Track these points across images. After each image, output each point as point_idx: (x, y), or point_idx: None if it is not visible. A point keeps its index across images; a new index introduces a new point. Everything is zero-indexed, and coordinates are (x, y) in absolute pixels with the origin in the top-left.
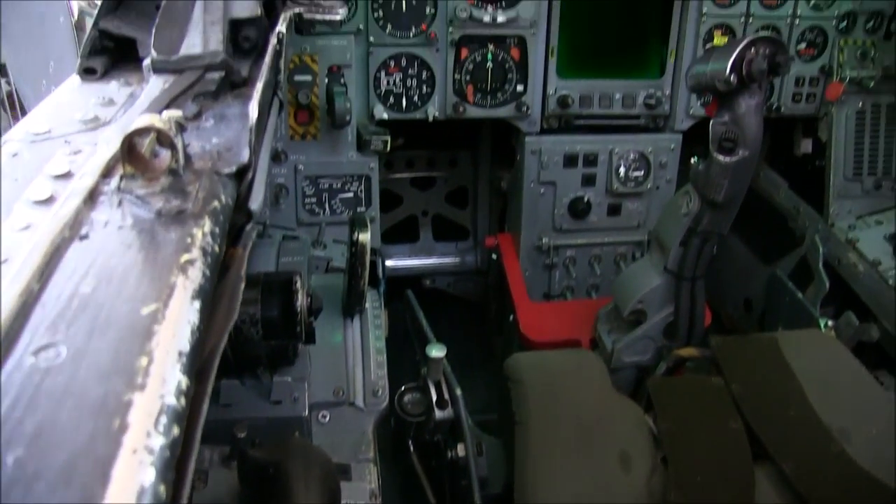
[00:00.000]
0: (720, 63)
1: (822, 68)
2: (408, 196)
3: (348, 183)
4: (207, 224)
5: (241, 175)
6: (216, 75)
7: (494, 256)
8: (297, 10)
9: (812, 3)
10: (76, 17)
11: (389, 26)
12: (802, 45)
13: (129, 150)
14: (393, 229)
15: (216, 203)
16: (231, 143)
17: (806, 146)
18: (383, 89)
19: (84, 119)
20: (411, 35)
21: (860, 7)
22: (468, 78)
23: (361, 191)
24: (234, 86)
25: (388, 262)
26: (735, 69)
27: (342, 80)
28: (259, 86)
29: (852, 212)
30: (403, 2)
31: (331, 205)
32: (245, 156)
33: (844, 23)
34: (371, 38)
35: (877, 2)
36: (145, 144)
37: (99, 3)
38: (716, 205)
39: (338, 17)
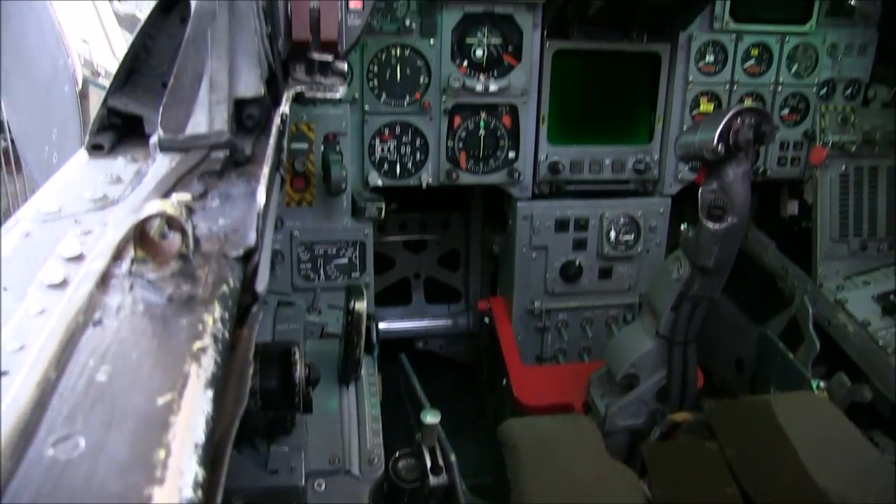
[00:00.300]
0: (708, 133)
1: (805, 133)
2: (400, 259)
3: (343, 249)
4: (217, 310)
5: (248, 257)
6: (221, 154)
7: (487, 320)
8: (298, 88)
9: (793, 71)
10: (80, 85)
11: (384, 95)
12: (786, 111)
13: (141, 235)
14: (385, 291)
15: (225, 287)
16: (237, 224)
17: (792, 208)
18: (378, 156)
19: (93, 198)
20: (405, 104)
21: (838, 75)
22: (461, 145)
23: (356, 257)
24: (238, 164)
25: (381, 325)
26: (722, 139)
27: (338, 148)
28: (265, 170)
29: (840, 272)
30: (398, 72)
31: (325, 270)
32: (252, 239)
33: (824, 90)
34: (366, 107)
35: (853, 70)
36: (155, 227)
37: (102, 72)
38: (706, 270)
39: (338, 95)
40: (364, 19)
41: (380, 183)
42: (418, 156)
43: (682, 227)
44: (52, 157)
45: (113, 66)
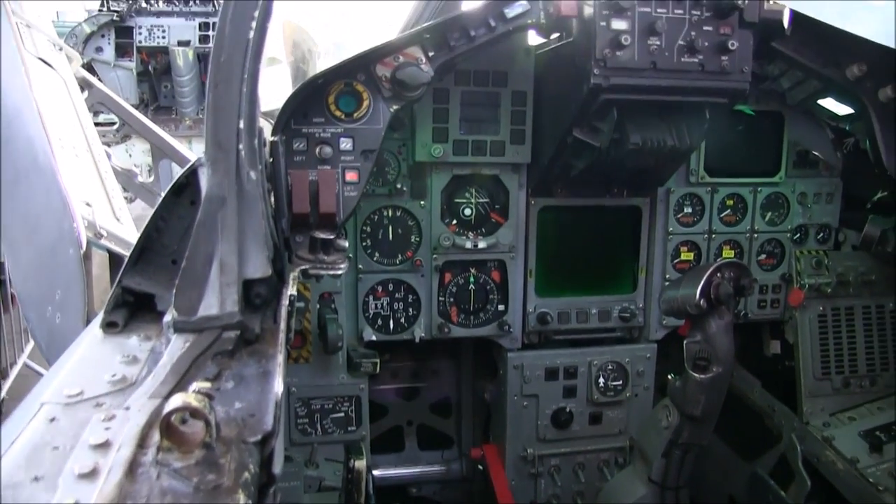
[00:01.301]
0: (690, 289)
1: (782, 276)
2: (393, 406)
3: (339, 403)
4: (241, 497)
5: (266, 441)
6: (232, 334)
7: (480, 467)
8: (303, 266)
9: (767, 218)
10: (84, 247)
11: (377, 254)
12: (763, 256)
13: (167, 427)
14: (379, 439)
15: (247, 474)
16: (253, 408)
17: (775, 347)
18: (372, 312)
19: (112, 379)
20: (398, 262)
21: (809, 221)
22: (452, 300)
23: (352, 410)
24: (248, 342)
25: (376, 472)
26: (704, 294)
27: (333, 306)
28: (279, 357)
29: (825, 409)
30: (390, 232)
31: (322, 425)
32: (269, 423)
33: (798, 235)
34: (360, 266)
35: (823, 216)
36: (177, 415)
37: (105, 234)
38: (694, 419)
39: (340, 273)
40: (360, 191)
41: (374, 338)
42: (411, 311)
43: (669, 377)
44: (56, 317)
45: (114, 227)
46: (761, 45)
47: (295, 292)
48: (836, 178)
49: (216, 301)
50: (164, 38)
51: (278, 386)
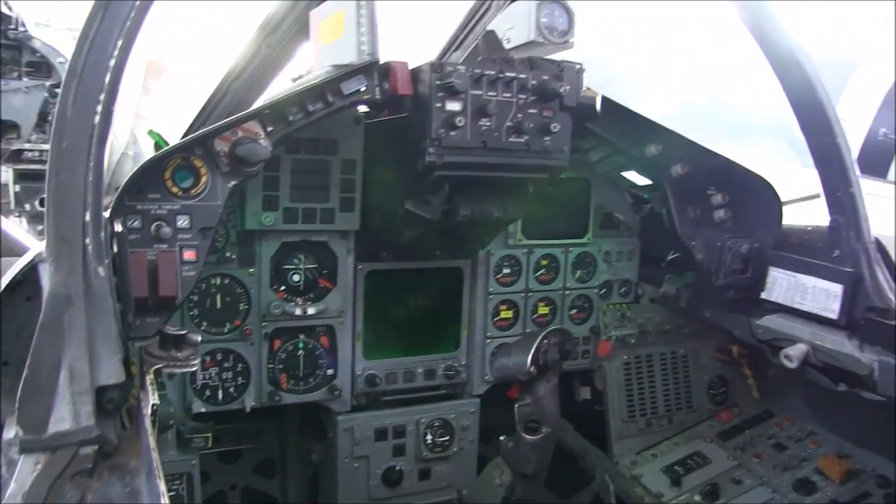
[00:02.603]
0: (520, 357)
1: (591, 328)
2: (215, 472)
3: (170, 483)
4: None
5: None
6: (90, 449)
7: None
8: (157, 365)
9: (577, 276)
10: None
11: (205, 323)
12: (574, 311)
13: None
14: None
15: None
16: None
17: (585, 393)
18: (200, 384)
19: None
20: (226, 331)
21: (613, 277)
22: (281, 367)
23: (183, 488)
24: (106, 455)
25: None
26: (534, 361)
27: (160, 380)
28: (145, 477)
29: (632, 449)
30: (218, 300)
31: None
32: None
33: (604, 290)
34: None
35: (625, 272)
36: None
37: None
38: (527, 476)
39: (194, 367)
40: (198, 270)
41: (203, 409)
42: (240, 380)
43: (502, 438)
44: None
45: None
46: (576, 124)
47: (158, 400)
48: (635, 238)
49: (68, 413)
50: None
51: None
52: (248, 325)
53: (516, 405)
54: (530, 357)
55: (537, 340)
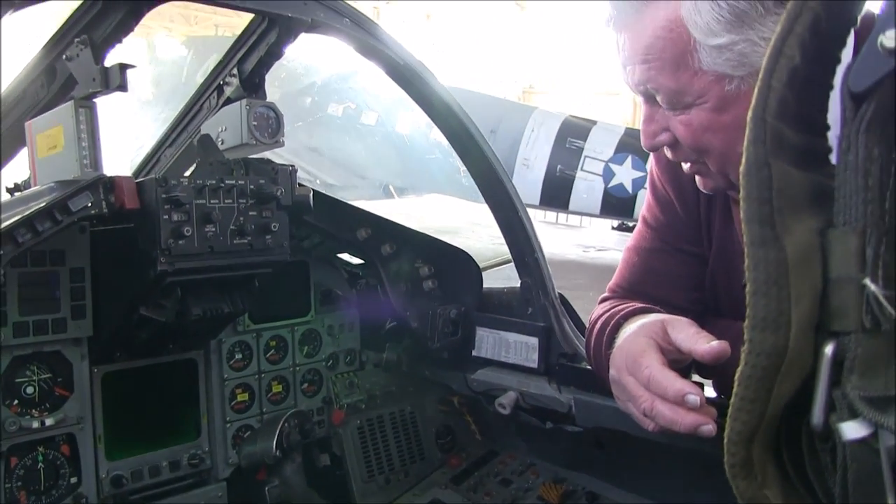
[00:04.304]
0: (265, 442)
1: (323, 399)
2: None
3: None
4: None
5: None
6: None
7: None
8: None
9: (305, 352)
10: None
11: None
12: (305, 385)
13: None
14: None
15: None
16: None
17: (325, 460)
18: None
19: None
20: None
21: (339, 348)
22: (20, 484)
23: None
24: None
25: None
26: (279, 445)
27: None
28: None
29: None
30: None
31: None
32: None
33: (331, 362)
34: None
35: (349, 343)
36: None
37: None
38: None
39: None
40: None
41: None
42: None
43: None
44: None
45: None
46: (293, 219)
47: None
48: (353, 310)
49: None
50: None
51: None
52: None
53: (266, 488)
54: (275, 442)
55: (279, 425)
